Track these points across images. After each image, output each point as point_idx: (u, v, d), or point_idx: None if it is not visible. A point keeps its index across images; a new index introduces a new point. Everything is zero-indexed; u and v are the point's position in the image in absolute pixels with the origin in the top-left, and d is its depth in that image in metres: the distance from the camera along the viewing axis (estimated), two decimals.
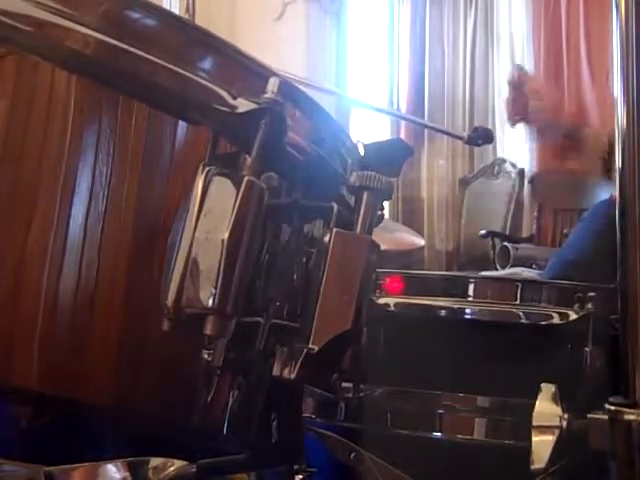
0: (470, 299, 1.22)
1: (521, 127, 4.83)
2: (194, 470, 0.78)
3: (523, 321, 1.20)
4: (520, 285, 1.22)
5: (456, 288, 1.24)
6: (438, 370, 1.18)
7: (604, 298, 1.15)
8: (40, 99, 0.71)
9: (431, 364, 1.19)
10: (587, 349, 1.14)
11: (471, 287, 1.23)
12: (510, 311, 1.20)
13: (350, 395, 1.01)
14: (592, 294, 1.16)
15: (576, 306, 1.17)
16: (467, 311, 1.22)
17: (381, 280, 1.21)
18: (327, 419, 1.21)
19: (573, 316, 1.17)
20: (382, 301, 1.20)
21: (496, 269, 3.81)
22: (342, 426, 1.20)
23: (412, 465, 1.11)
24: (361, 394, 1.16)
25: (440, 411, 1.19)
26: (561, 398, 0.76)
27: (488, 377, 1.17)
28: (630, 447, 0.71)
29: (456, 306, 1.22)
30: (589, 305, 1.16)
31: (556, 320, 1.18)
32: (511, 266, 3.66)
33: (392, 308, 1.22)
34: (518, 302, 1.20)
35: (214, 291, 0.62)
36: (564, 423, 0.74)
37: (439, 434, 1.19)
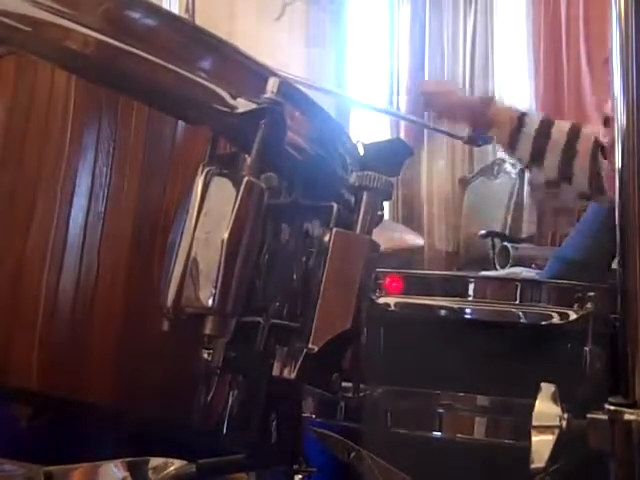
0: (470, 299, 1.22)
1: None
2: (194, 470, 0.78)
3: (523, 321, 1.20)
4: (520, 285, 1.22)
5: (456, 288, 1.24)
6: (438, 369, 1.18)
7: (604, 297, 1.15)
8: (40, 99, 0.71)
9: (431, 363, 1.19)
10: (587, 349, 1.14)
11: (471, 287, 1.23)
12: (510, 311, 1.20)
13: (350, 395, 1.01)
14: (591, 294, 1.16)
15: (576, 306, 1.17)
16: (467, 311, 1.22)
17: (381, 280, 1.21)
18: (327, 419, 1.21)
19: (573, 316, 1.17)
20: (382, 301, 1.20)
21: (496, 269, 3.81)
22: (342, 426, 1.20)
23: (412, 464, 1.10)
24: (361, 394, 1.16)
25: (440, 410, 1.19)
26: (561, 398, 0.76)
27: (488, 376, 1.16)
28: (630, 447, 0.71)
29: (456, 306, 1.22)
30: (589, 305, 1.16)
31: (556, 320, 1.18)
32: (511, 266, 3.66)
33: (392, 308, 1.22)
34: (518, 302, 1.20)
35: (214, 291, 0.62)
36: (564, 423, 0.74)
37: (439, 433, 1.19)
